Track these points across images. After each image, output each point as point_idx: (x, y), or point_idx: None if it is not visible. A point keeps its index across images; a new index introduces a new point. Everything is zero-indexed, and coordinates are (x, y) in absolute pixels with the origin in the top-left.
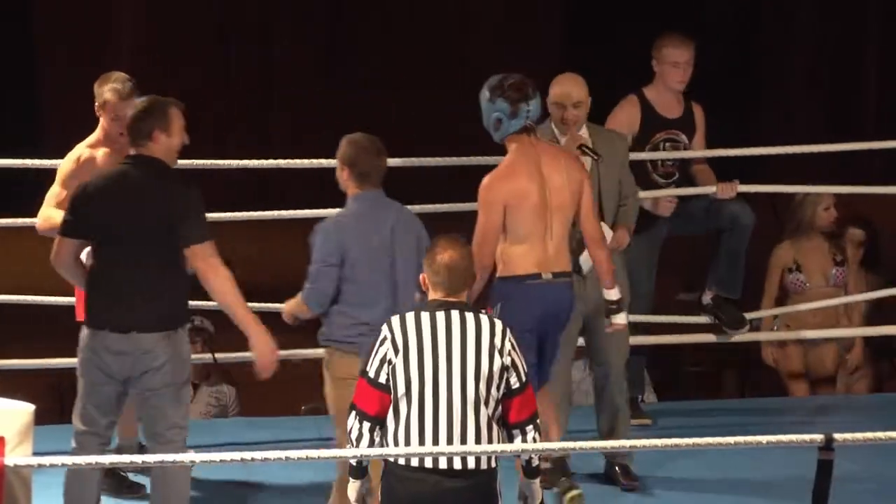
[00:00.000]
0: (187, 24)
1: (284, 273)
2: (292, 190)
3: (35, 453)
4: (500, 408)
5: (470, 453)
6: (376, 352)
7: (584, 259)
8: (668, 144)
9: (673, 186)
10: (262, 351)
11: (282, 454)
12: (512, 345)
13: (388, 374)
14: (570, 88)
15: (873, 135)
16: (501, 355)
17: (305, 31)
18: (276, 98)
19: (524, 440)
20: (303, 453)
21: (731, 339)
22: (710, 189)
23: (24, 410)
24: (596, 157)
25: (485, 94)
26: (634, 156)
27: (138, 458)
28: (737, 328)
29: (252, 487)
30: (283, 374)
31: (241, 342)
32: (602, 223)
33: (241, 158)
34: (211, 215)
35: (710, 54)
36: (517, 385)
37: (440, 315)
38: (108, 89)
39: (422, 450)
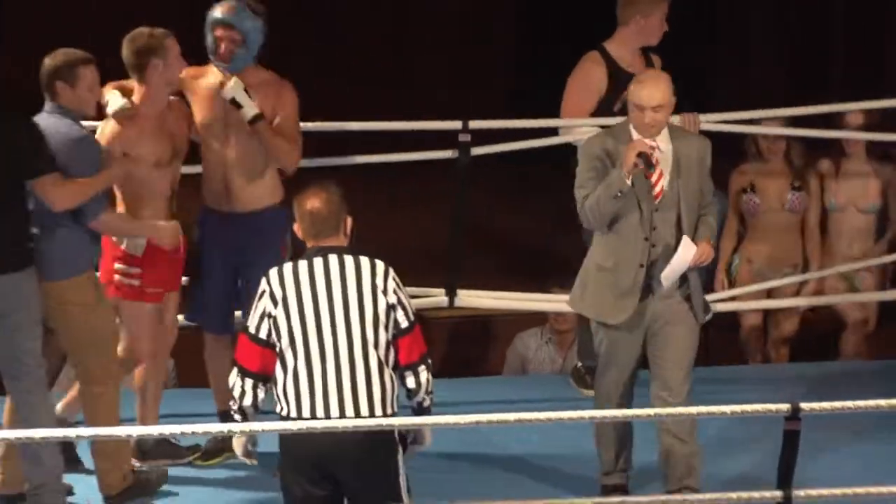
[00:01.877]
0: None
1: None
2: None
3: None
4: (391, 350)
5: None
6: (256, 306)
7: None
8: None
9: None
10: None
11: (223, 426)
12: (396, 283)
13: (269, 328)
14: (652, 90)
15: (839, 94)
16: (385, 295)
17: None
18: None
19: (416, 382)
20: (225, 426)
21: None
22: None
23: None
24: (650, 169)
25: (254, 17)
26: (602, 121)
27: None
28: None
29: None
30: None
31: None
32: (684, 237)
33: None
34: None
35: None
36: (405, 325)
37: (317, 261)
38: None
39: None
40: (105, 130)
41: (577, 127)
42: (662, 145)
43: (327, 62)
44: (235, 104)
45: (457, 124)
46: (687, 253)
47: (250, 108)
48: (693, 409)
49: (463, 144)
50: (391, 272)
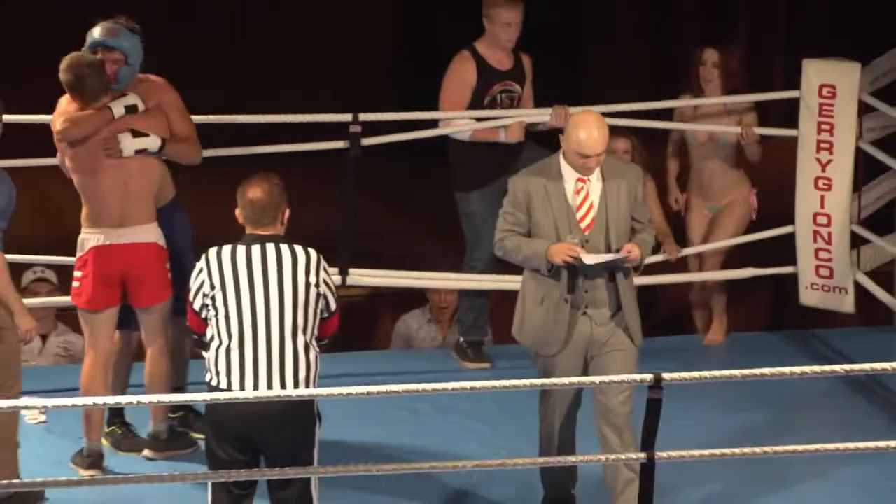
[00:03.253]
0: None
1: None
2: None
3: None
4: (315, 332)
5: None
6: (195, 280)
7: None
8: (504, 96)
9: None
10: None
11: (133, 398)
12: (326, 272)
13: (202, 304)
14: (593, 140)
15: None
16: (317, 285)
17: None
18: None
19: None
20: (154, 397)
21: None
22: (544, 115)
23: None
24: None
25: (134, 36)
26: (479, 113)
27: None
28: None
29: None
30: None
31: None
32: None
33: None
34: None
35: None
36: (331, 310)
37: (255, 248)
38: None
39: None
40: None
41: (456, 121)
42: (594, 179)
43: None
44: (142, 152)
45: (347, 116)
46: (619, 255)
47: (154, 143)
48: (565, 380)
49: (353, 135)
50: (322, 262)
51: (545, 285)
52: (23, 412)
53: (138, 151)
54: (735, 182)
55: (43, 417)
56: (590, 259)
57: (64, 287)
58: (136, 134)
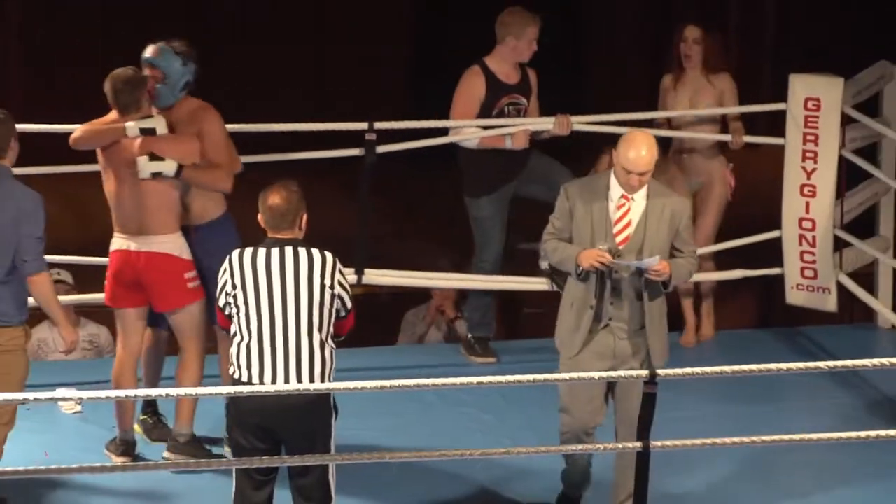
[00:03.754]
0: None
1: None
2: None
3: None
4: (331, 330)
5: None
6: (220, 280)
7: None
8: (511, 108)
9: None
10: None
11: (162, 391)
12: (341, 274)
13: (226, 302)
14: (640, 157)
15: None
16: (332, 286)
17: None
18: None
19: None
20: (195, 390)
21: None
22: (547, 124)
23: None
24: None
25: (176, 58)
26: (487, 122)
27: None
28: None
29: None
30: None
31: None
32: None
33: None
34: None
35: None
36: (345, 312)
37: (275, 251)
38: None
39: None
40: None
41: (465, 130)
42: (638, 197)
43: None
44: (159, 176)
45: (363, 125)
46: (651, 259)
47: (170, 168)
48: (564, 376)
49: (369, 143)
50: (338, 265)
51: (578, 290)
52: (59, 403)
53: (154, 175)
54: (714, 161)
55: (79, 408)
56: (617, 261)
57: (80, 287)
58: (153, 158)
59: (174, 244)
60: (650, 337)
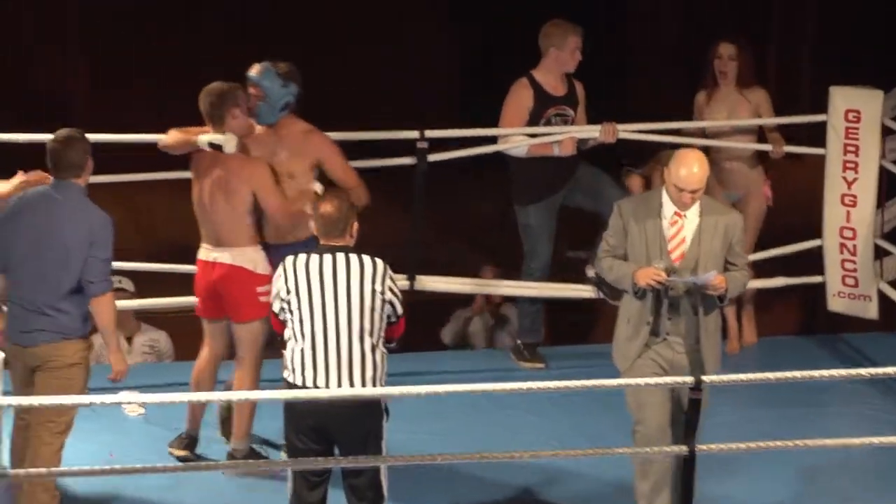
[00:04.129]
0: None
1: None
2: None
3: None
4: (381, 335)
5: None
6: (274, 286)
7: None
8: (557, 118)
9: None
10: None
11: (232, 395)
12: (392, 281)
13: (280, 307)
14: (691, 176)
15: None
16: (382, 292)
17: None
18: None
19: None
20: (257, 394)
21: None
22: (594, 131)
23: None
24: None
25: (277, 78)
26: (534, 130)
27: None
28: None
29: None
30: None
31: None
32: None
33: None
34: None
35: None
36: (396, 317)
37: (327, 257)
38: None
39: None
40: (247, 169)
41: (513, 138)
42: (691, 214)
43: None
44: (214, 147)
45: (415, 133)
46: (708, 274)
47: (229, 143)
48: (613, 381)
49: (420, 151)
50: (388, 271)
51: (634, 307)
52: (123, 406)
53: (211, 145)
54: (752, 174)
55: (142, 410)
56: (673, 278)
57: (142, 294)
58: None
59: (249, 257)
60: (705, 349)
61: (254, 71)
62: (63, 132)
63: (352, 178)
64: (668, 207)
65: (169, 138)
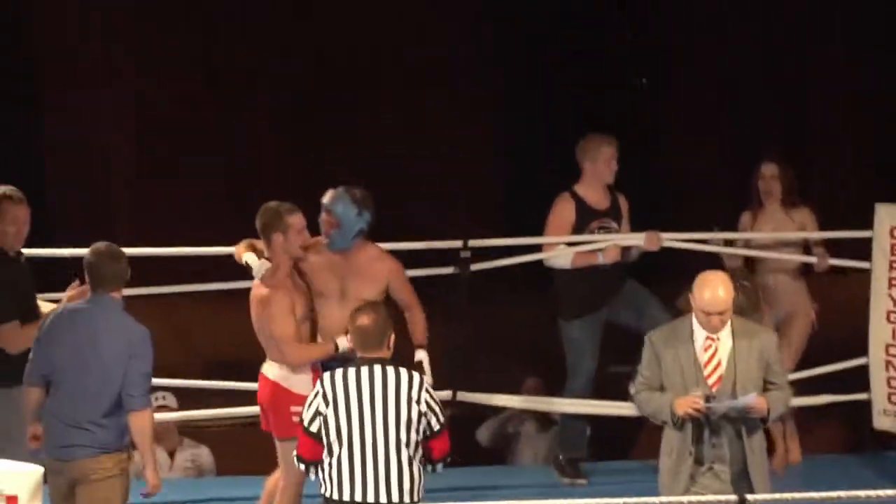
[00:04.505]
0: None
1: None
2: None
3: None
4: (420, 448)
5: None
6: (310, 403)
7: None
8: (601, 232)
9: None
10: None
11: None
12: (429, 394)
13: (319, 424)
14: (715, 297)
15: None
16: (419, 403)
17: None
18: None
19: (436, 470)
20: None
21: None
22: (637, 239)
23: (33, 472)
24: None
25: (351, 206)
26: (577, 238)
27: None
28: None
29: None
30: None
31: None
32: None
33: None
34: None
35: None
36: (436, 428)
37: (364, 370)
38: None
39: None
40: (262, 294)
41: (557, 248)
42: (723, 337)
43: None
44: (249, 269)
45: (458, 243)
46: (748, 397)
47: (257, 268)
48: (654, 500)
49: (463, 260)
50: (425, 384)
51: (676, 437)
52: None
53: (247, 264)
54: (797, 287)
55: None
56: (713, 405)
57: (185, 408)
58: (255, 252)
59: (283, 374)
60: (753, 472)
61: (327, 198)
62: (101, 246)
63: (416, 302)
64: (699, 333)
65: (235, 249)
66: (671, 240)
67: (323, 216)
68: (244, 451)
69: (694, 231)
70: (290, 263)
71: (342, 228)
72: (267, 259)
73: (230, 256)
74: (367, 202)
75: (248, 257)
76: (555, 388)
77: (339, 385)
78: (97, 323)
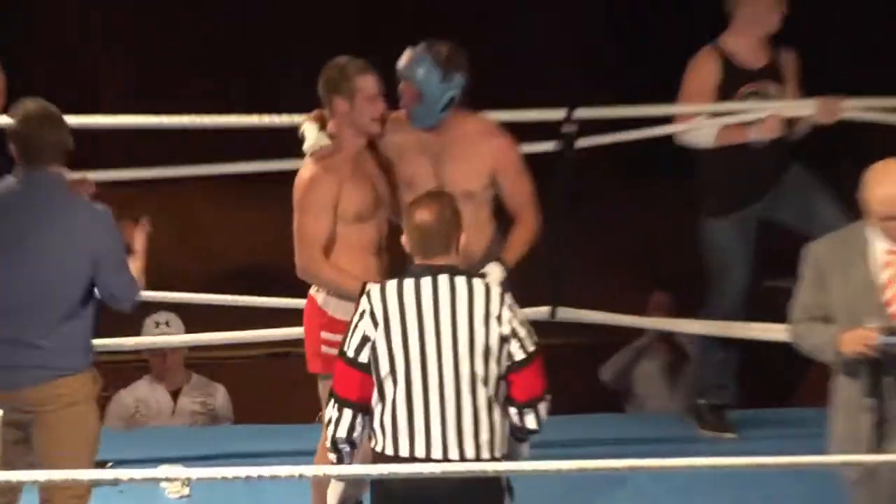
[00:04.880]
0: None
1: None
2: None
3: None
4: (501, 386)
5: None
6: (354, 326)
7: None
8: (753, 97)
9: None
10: None
11: (307, 469)
12: (513, 311)
13: (369, 353)
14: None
15: None
16: (500, 324)
17: None
18: None
19: (537, 421)
20: (338, 469)
21: None
22: (807, 108)
23: None
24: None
25: (434, 69)
26: (721, 107)
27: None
28: None
29: None
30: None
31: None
32: None
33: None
34: None
35: None
36: (521, 357)
37: (425, 281)
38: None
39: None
40: (303, 176)
41: (696, 119)
42: None
43: None
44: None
45: (560, 113)
46: None
47: (308, 142)
48: (820, 459)
49: (567, 136)
50: (507, 298)
51: (847, 386)
52: (162, 484)
53: (302, 134)
54: None
55: (186, 490)
56: (891, 339)
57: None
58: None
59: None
60: None
61: (403, 60)
62: (32, 107)
63: (530, 201)
64: (877, 245)
65: (303, 119)
66: (855, 108)
67: (401, 85)
68: (271, 390)
69: (890, 96)
70: (357, 142)
71: (425, 100)
72: (331, 136)
73: (257, 131)
74: (457, 61)
75: (307, 127)
76: (691, 307)
77: (393, 301)
78: (34, 207)
